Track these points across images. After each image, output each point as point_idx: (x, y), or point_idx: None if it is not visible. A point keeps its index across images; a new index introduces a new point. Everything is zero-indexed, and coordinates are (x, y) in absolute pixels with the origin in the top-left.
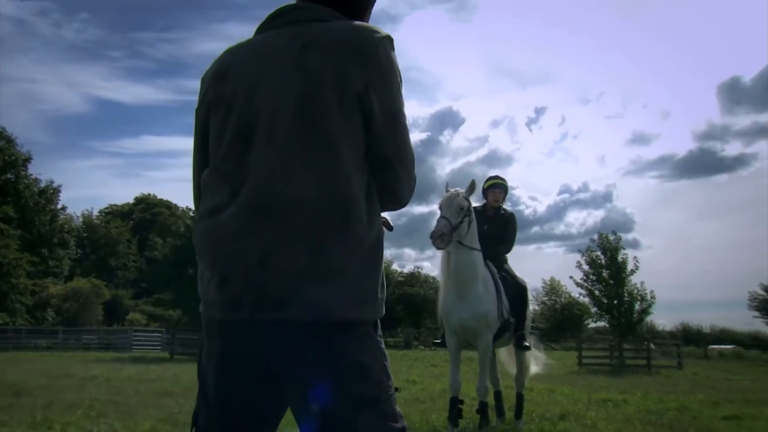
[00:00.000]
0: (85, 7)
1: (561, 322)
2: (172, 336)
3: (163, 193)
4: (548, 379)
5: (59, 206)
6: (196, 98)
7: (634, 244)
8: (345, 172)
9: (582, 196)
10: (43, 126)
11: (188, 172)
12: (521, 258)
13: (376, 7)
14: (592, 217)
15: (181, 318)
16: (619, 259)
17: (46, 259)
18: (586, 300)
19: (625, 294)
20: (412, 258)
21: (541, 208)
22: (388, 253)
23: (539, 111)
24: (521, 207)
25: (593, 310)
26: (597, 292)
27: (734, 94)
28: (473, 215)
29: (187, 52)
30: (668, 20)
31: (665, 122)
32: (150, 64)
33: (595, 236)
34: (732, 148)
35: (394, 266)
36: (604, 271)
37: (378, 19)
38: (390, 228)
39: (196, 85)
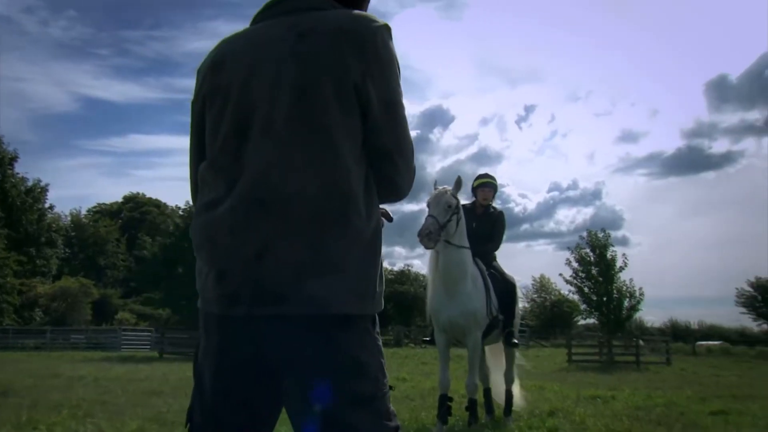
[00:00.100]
0: (73, 4)
1: (551, 320)
2: (162, 335)
3: (152, 191)
4: (538, 376)
5: (47, 205)
6: (185, 97)
7: (624, 242)
8: (343, 164)
9: (571, 193)
10: (30, 125)
11: (177, 171)
12: (511, 256)
13: None
14: (582, 214)
15: (170, 317)
16: (608, 256)
17: (33, 259)
18: (576, 297)
19: (614, 291)
20: (403, 256)
21: (531, 205)
22: None
23: (529, 109)
24: (511, 205)
25: (582, 307)
26: (586, 290)
27: (721, 92)
28: (461, 213)
29: (175, 51)
30: (656, 19)
31: (653, 120)
32: (138, 63)
33: (585, 234)
34: (719, 146)
35: (385, 264)
36: (593, 268)
37: None
38: (390, 219)
39: (185, 83)
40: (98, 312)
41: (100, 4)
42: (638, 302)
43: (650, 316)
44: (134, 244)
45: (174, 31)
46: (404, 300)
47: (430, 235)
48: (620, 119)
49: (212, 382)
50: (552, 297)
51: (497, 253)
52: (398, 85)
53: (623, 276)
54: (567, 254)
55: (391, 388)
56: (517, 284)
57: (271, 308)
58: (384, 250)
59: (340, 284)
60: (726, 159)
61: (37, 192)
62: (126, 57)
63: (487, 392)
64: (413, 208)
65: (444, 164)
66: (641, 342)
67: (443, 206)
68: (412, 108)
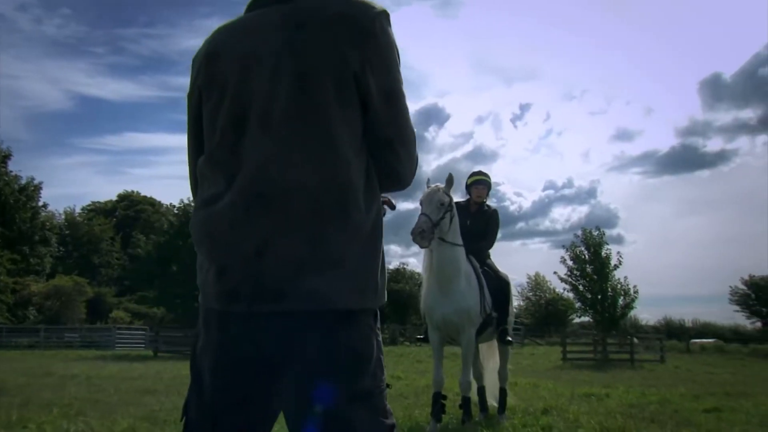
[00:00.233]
0: (67, 2)
1: (545, 318)
2: (156, 334)
3: (147, 190)
4: (532, 374)
5: (40, 203)
6: (180, 95)
7: (618, 240)
8: (343, 157)
9: (566, 192)
10: (24, 123)
11: (172, 169)
12: (506, 254)
13: None
14: (577, 212)
15: (165, 316)
16: (603, 254)
17: (27, 257)
18: (571, 295)
19: (609, 289)
20: (398, 254)
21: (526, 204)
22: None
23: (524, 107)
24: (506, 203)
25: (577, 305)
26: (581, 288)
27: (715, 90)
28: (455, 210)
29: (170, 49)
30: (651, 18)
31: (648, 118)
32: (133, 61)
33: (579, 232)
34: (713, 144)
35: None
36: (587, 266)
37: None
38: (392, 207)
39: (180, 81)
40: (92, 310)
41: (94, 1)
42: (633, 300)
43: (645, 314)
44: (129, 242)
45: (169, 29)
46: (399, 298)
47: (423, 234)
48: (615, 118)
49: (210, 378)
50: (547, 295)
51: (491, 250)
52: (398, 72)
53: (618, 274)
54: (562, 252)
55: (388, 386)
56: (511, 282)
57: (271, 305)
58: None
59: (340, 279)
60: (720, 157)
61: (31, 190)
62: (121, 55)
63: (481, 390)
64: (409, 206)
65: (440, 162)
66: (636, 340)
67: (436, 204)
68: (408, 106)
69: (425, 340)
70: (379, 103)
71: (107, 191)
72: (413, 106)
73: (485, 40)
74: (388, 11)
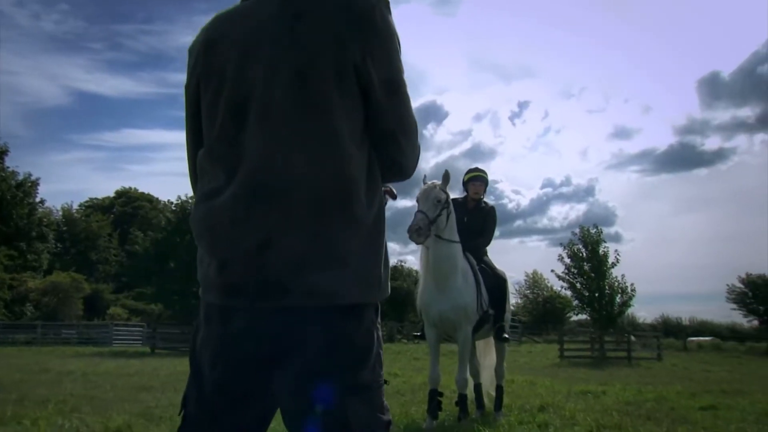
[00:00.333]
0: None
1: (543, 315)
2: (154, 330)
3: (145, 186)
4: (530, 372)
5: (38, 199)
6: (178, 91)
7: (616, 238)
8: (344, 150)
9: (565, 189)
10: (21, 119)
11: (170, 166)
12: (504, 251)
13: None
14: (575, 210)
15: (162, 312)
16: (600, 252)
17: (24, 253)
18: (568, 293)
19: (606, 287)
20: (396, 252)
21: (524, 201)
22: None
23: (522, 105)
24: (504, 201)
25: (575, 303)
26: (578, 285)
27: (713, 89)
28: (451, 207)
29: (168, 45)
30: (650, 16)
31: (646, 116)
32: (131, 57)
33: (577, 230)
34: (711, 143)
35: None
36: (585, 264)
37: None
38: (394, 197)
39: (178, 77)
40: (90, 307)
41: None
42: (630, 298)
43: (642, 312)
44: (126, 239)
45: (167, 26)
46: (397, 296)
47: (420, 231)
48: (613, 116)
49: (210, 372)
50: (544, 293)
51: (489, 248)
52: (399, 61)
53: (615, 272)
54: (560, 250)
55: (386, 382)
56: (508, 279)
57: (275, 300)
58: None
59: (344, 274)
60: (718, 156)
61: (28, 186)
62: (119, 51)
63: (478, 387)
64: (407, 204)
65: (438, 160)
66: (633, 338)
67: (432, 201)
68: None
69: (422, 337)
70: (381, 93)
71: (105, 188)
72: (412, 103)
73: (484, 38)
74: None
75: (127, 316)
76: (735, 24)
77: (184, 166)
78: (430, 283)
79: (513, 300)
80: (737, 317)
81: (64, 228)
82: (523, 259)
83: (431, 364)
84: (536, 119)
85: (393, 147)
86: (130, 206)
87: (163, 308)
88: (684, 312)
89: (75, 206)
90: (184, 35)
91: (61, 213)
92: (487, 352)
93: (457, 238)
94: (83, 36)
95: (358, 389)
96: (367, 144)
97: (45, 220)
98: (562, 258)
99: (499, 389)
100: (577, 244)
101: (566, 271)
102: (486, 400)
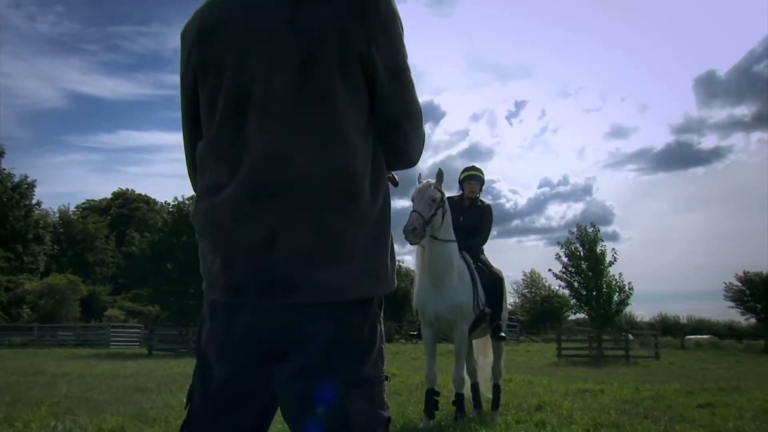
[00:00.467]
0: None
1: (541, 315)
2: (151, 332)
3: (142, 188)
4: (527, 371)
5: (34, 201)
6: (175, 93)
7: (614, 237)
8: (350, 143)
9: (562, 189)
10: (17, 121)
11: (167, 167)
12: (502, 251)
13: None
14: (572, 210)
15: (159, 314)
16: (598, 251)
17: (20, 255)
18: (566, 292)
19: (604, 286)
20: None
21: (522, 201)
22: None
23: (519, 105)
24: (502, 200)
25: (572, 302)
26: (576, 284)
27: (710, 87)
28: (447, 206)
29: (165, 46)
30: (646, 15)
31: (643, 115)
32: (127, 58)
33: (574, 229)
34: (708, 141)
35: None
36: (582, 262)
37: None
38: (395, 183)
39: (175, 79)
40: (87, 309)
41: None
42: (628, 297)
43: (640, 310)
44: (123, 240)
45: (163, 27)
46: (395, 296)
47: (415, 231)
48: (610, 115)
49: (217, 369)
50: (542, 292)
51: (485, 247)
52: (403, 46)
53: (613, 271)
54: (557, 249)
55: (386, 378)
56: (505, 278)
57: (282, 298)
58: None
59: (350, 270)
60: (714, 154)
61: (24, 188)
62: (115, 53)
63: (475, 386)
64: (404, 203)
65: (435, 160)
66: (630, 336)
67: (427, 200)
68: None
69: (419, 336)
70: (386, 81)
71: (102, 189)
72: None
73: (480, 38)
74: None
75: (124, 318)
76: (731, 23)
77: (181, 168)
78: (426, 282)
79: (511, 299)
80: (735, 315)
81: (61, 230)
82: (520, 258)
83: (428, 363)
84: (533, 119)
85: (397, 134)
86: (126, 208)
87: (160, 310)
88: (681, 310)
89: (72, 208)
90: None
91: (57, 215)
92: (484, 352)
93: (452, 236)
94: (79, 38)
95: (360, 384)
96: (371, 134)
97: (41, 222)
98: (560, 257)
99: (496, 388)
100: (574, 243)
101: (564, 270)
102: (483, 399)
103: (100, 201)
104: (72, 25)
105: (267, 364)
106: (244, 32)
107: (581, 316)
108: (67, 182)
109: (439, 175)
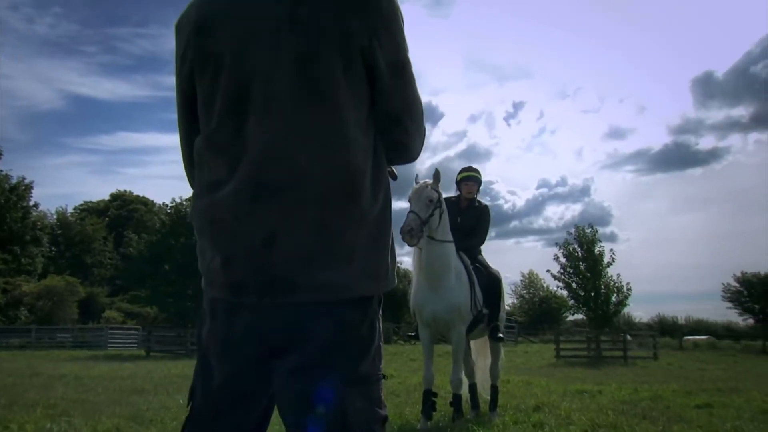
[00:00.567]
0: (58, 1)
1: (539, 315)
2: (149, 333)
3: (140, 189)
4: (526, 372)
5: (32, 203)
6: (173, 95)
7: (612, 238)
8: (351, 140)
9: (560, 190)
10: (15, 122)
11: (165, 169)
12: (500, 252)
13: None
14: (571, 210)
15: (157, 315)
16: (596, 251)
17: (18, 257)
18: (564, 293)
19: (602, 286)
20: None
21: (520, 202)
22: None
23: (517, 106)
24: (500, 201)
25: (571, 302)
26: (574, 285)
27: (707, 88)
28: (444, 206)
29: (163, 48)
30: (644, 16)
31: (641, 116)
32: (126, 60)
33: (573, 229)
34: (706, 142)
35: None
36: (581, 264)
37: None
38: (394, 177)
39: (173, 81)
40: (85, 310)
41: (86, 0)
42: (626, 297)
43: (638, 311)
44: (121, 242)
45: (162, 29)
46: (394, 297)
47: (412, 232)
48: (608, 116)
49: (218, 367)
50: (540, 293)
51: (484, 248)
52: (404, 40)
53: (611, 271)
54: (555, 250)
55: (384, 376)
56: (503, 279)
57: (282, 297)
58: None
59: (351, 269)
60: (712, 155)
61: (22, 190)
62: (113, 54)
63: (473, 387)
64: (403, 205)
65: (433, 161)
66: (629, 337)
67: (424, 201)
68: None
69: (416, 337)
70: (387, 76)
71: (100, 191)
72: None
73: (478, 39)
74: None
75: (122, 320)
76: (728, 24)
77: (179, 169)
78: (423, 283)
79: (509, 300)
80: (733, 316)
81: (59, 231)
82: (519, 259)
83: (425, 364)
84: (531, 120)
85: (398, 129)
86: (125, 209)
87: (158, 311)
88: (680, 311)
89: (70, 209)
90: None
91: (55, 216)
92: (482, 352)
93: (450, 237)
94: (77, 39)
95: (358, 381)
96: (372, 130)
97: (39, 223)
98: (558, 258)
99: (494, 389)
100: (572, 244)
101: (562, 271)
102: (481, 400)
103: (98, 202)
104: (70, 27)
105: (267, 364)
106: (243, 27)
107: (579, 316)
108: (65, 184)
109: (436, 176)
